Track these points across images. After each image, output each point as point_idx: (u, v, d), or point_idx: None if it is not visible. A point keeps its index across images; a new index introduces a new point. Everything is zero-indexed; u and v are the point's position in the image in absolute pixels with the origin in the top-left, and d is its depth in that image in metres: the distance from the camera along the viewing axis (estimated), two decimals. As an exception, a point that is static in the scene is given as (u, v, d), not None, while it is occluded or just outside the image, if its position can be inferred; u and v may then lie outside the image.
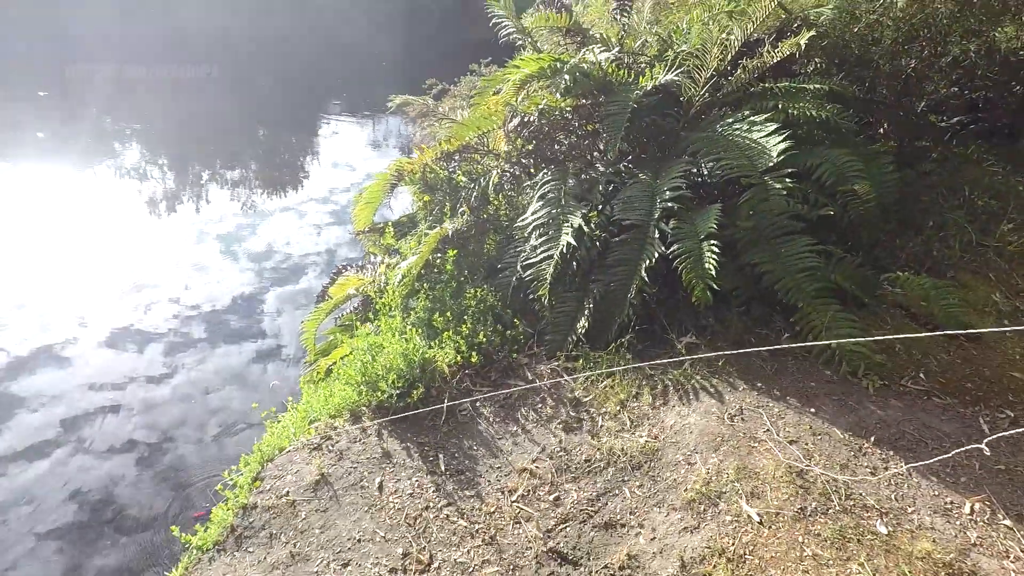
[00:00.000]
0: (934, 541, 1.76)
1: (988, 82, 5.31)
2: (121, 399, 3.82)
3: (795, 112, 3.30)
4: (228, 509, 2.21)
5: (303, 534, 2.04)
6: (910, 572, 1.64)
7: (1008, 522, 1.85)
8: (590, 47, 3.51)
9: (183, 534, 2.17)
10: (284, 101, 12.72)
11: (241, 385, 4.05)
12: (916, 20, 4.47)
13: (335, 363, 2.94)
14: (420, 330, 2.77)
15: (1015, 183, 4.03)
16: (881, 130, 4.92)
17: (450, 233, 3.07)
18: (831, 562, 1.70)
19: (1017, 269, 3.36)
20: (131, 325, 4.58)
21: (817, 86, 3.56)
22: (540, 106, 3.34)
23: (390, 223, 3.75)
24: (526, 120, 3.40)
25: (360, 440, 2.40)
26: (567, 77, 3.18)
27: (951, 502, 1.92)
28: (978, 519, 1.86)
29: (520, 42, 4.08)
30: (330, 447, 2.38)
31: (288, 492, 2.20)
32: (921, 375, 2.51)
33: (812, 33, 3.23)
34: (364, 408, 2.52)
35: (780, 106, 3.28)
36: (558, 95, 3.34)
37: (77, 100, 11.23)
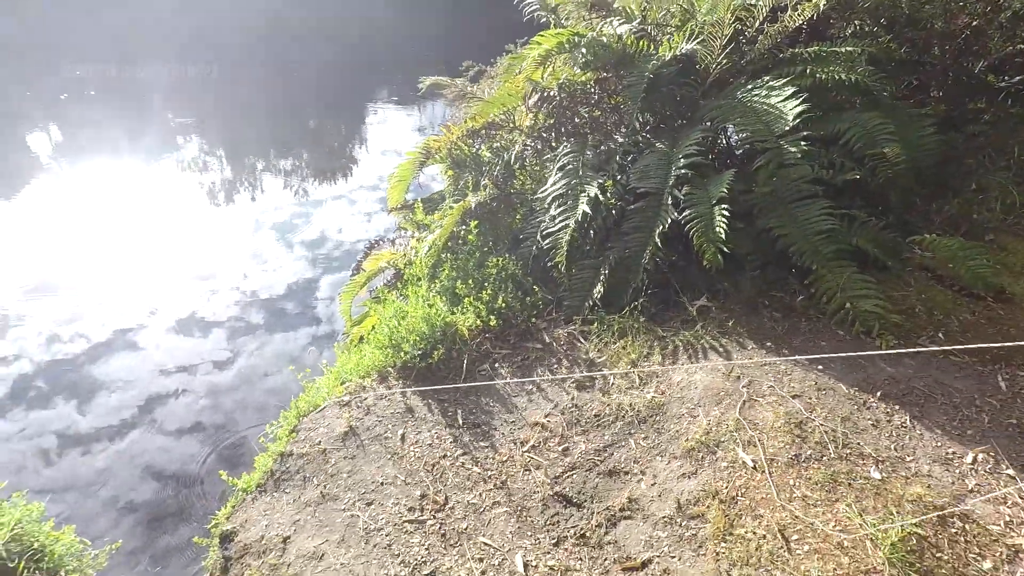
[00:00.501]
0: (928, 487, 1.79)
1: (1053, 37, 4.98)
2: (189, 383, 4.09)
3: (823, 76, 3.24)
4: (268, 456, 2.46)
5: (332, 478, 2.26)
6: (897, 512, 1.69)
7: (1011, 471, 1.85)
8: (609, 20, 3.56)
9: (230, 477, 2.45)
10: (330, 88, 13.05)
11: (298, 368, 4.23)
12: (969, -28, 4.25)
13: (367, 331, 3.16)
14: (443, 297, 2.95)
15: (1072, 142, 3.81)
16: (934, 93, 4.71)
17: (473, 206, 3.22)
18: (819, 503, 1.77)
19: (1064, 231, 3.21)
20: (195, 312, 4.87)
21: (849, 48, 3.47)
22: (560, 80, 3.43)
23: (419, 200, 3.94)
24: (547, 95, 3.49)
25: (385, 397, 2.60)
26: (585, 51, 3.26)
27: (953, 452, 1.94)
28: (980, 468, 1.87)
29: (545, 19, 4.16)
30: (358, 403, 2.59)
31: (320, 442, 2.42)
32: (940, 334, 2.48)
33: (831, -7, 3.14)
34: (390, 369, 2.72)
35: (808, 71, 3.24)
36: (577, 69, 3.42)
37: (118, 99, 11.82)
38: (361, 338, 3.22)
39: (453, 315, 2.81)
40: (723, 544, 1.76)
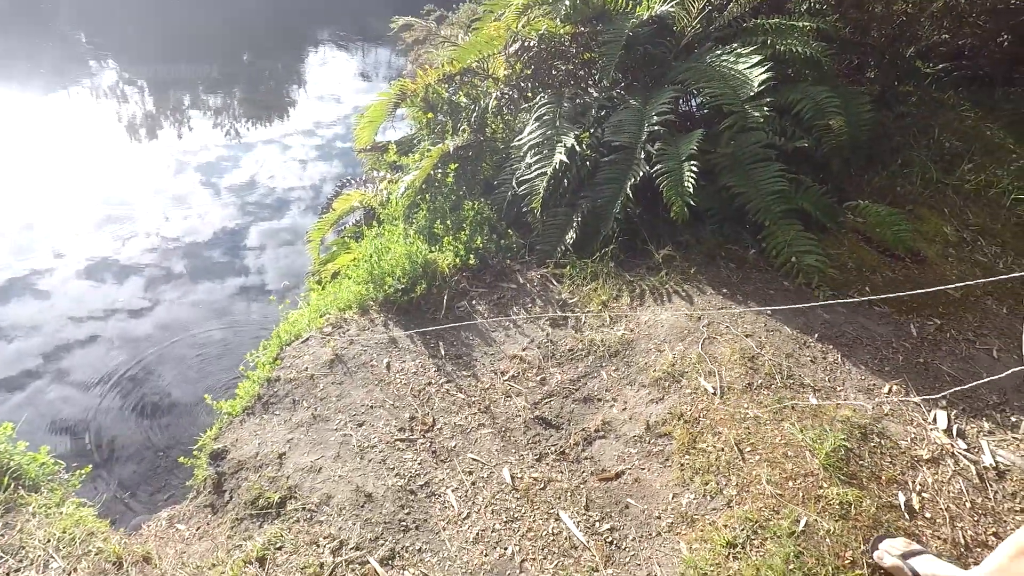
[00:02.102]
0: (854, 410, 2.11)
1: (976, 30, 5.46)
2: (101, 330, 3.79)
3: (782, 48, 3.46)
4: (253, 383, 2.51)
5: (322, 401, 2.36)
6: (830, 429, 2.00)
7: (917, 399, 2.21)
8: (591, -27, 3.62)
9: (214, 401, 2.48)
10: (269, 24, 12.22)
11: (223, 320, 3.99)
12: (910, -37, 4.55)
13: (343, 267, 3.19)
14: (422, 236, 3.03)
15: (982, 128, 4.29)
16: (869, 73, 5.10)
17: (451, 150, 3.28)
18: (768, 422, 2.06)
19: (970, 206, 3.67)
20: (109, 258, 4.49)
21: (805, 23, 3.70)
22: (540, 32, 3.48)
23: (392, 142, 3.93)
24: (526, 45, 3.54)
25: (368, 329, 2.69)
26: (567, 3, 3.32)
27: (874, 384, 2.28)
28: (893, 397, 2.22)
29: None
30: (341, 334, 2.67)
31: (307, 368, 2.50)
32: (867, 288, 2.84)
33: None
34: (371, 302, 2.80)
35: (768, 41, 3.45)
36: (558, 21, 3.48)
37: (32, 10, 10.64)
38: (335, 275, 3.25)
39: (433, 253, 2.90)
40: (687, 456, 2.02)
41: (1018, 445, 2.07)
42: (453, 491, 1.99)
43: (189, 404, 3.20)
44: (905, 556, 1.62)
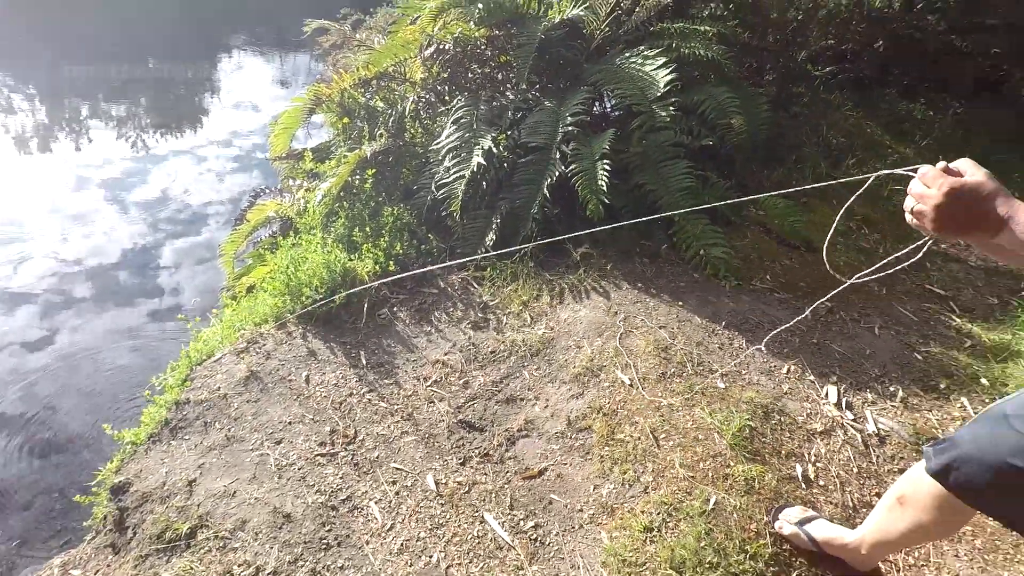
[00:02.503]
0: (757, 391, 2.26)
1: (857, 36, 5.94)
2: None
3: (686, 51, 3.63)
4: (159, 407, 2.38)
5: (237, 421, 2.26)
6: (736, 411, 2.13)
7: (812, 378, 2.39)
8: (502, -22, 3.66)
9: (115, 431, 2.33)
10: (174, 26, 11.55)
11: (132, 345, 3.71)
12: (798, -28, 4.88)
13: (259, 280, 3.08)
14: (341, 245, 2.96)
15: (864, 126, 4.68)
16: (767, 76, 5.44)
17: (368, 155, 3.23)
18: (681, 408, 2.16)
19: (856, 197, 3.98)
20: None
21: (706, 28, 3.90)
22: (455, 35, 3.49)
23: (308, 150, 3.82)
24: (442, 48, 3.53)
25: (286, 342, 2.61)
26: (481, 6, 3.34)
27: (774, 366, 2.44)
28: (791, 376, 2.39)
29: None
30: (257, 349, 2.57)
31: (220, 388, 2.39)
32: (767, 276, 3.03)
33: (695, -24, 3.52)
34: (288, 315, 2.72)
35: (673, 45, 3.62)
36: (473, 24, 3.49)
37: None
38: (250, 288, 3.12)
39: (352, 261, 2.85)
40: (606, 448, 2.09)
41: (896, 412, 2.28)
42: (376, 503, 1.96)
43: (91, 438, 2.97)
44: (801, 523, 1.75)
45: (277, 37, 11.39)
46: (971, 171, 0.94)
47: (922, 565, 1.81)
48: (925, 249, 1.07)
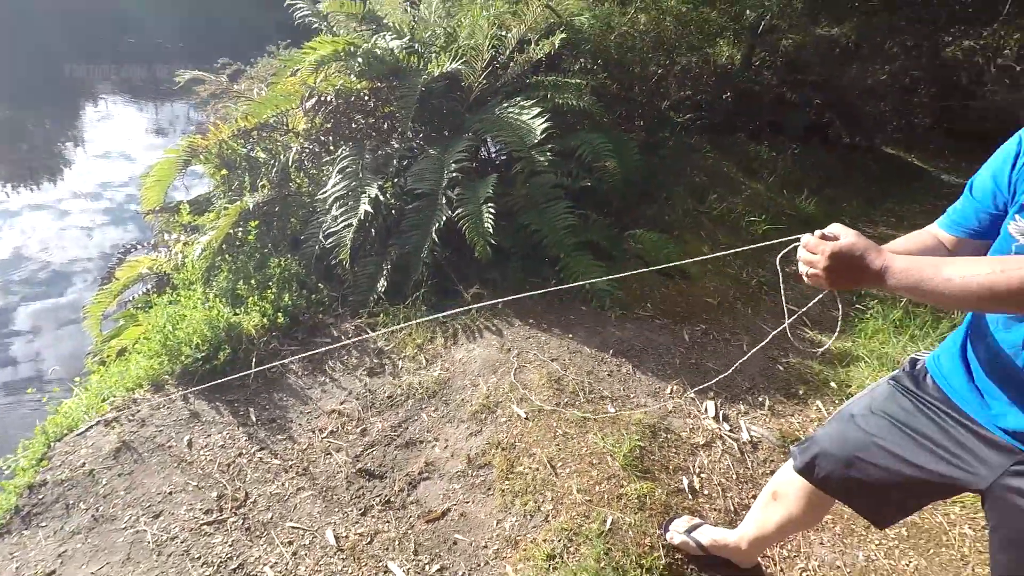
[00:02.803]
0: (645, 413, 2.42)
1: (708, 88, 6.71)
2: None
3: (560, 101, 3.92)
4: (9, 494, 2.11)
5: (106, 498, 2.06)
6: (627, 433, 2.26)
7: (692, 394, 2.60)
8: (382, 34, 3.79)
9: (-45, 523, 2.03)
10: (33, 74, 10.65)
11: None
12: (652, 35, 5.47)
13: (131, 343, 2.85)
14: (224, 299, 2.83)
15: (721, 165, 5.26)
16: (637, 123, 5.96)
17: (251, 207, 3.14)
18: (575, 436, 2.26)
19: (719, 228, 4.45)
20: None
21: (577, 81, 4.25)
22: (337, 87, 3.53)
23: (185, 202, 3.64)
24: (324, 99, 3.56)
25: (164, 407, 2.43)
26: (360, 60, 3.43)
27: (659, 387, 2.63)
28: (674, 396, 2.59)
29: (316, 26, 4.19)
30: (130, 416, 2.37)
31: (84, 464, 2.17)
32: (648, 304, 3.28)
33: (563, 36, 3.87)
34: (166, 377, 2.54)
35: (548, 96, 3.90)
36: (353, 77, 3.56)
37: None
38: (121, 352, 2.88)
39: (237, 316, 2.73)
40: (506, 482, 2.13)
41: (765, 420, 2.53)
42: (271, 567, 1.86)
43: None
44: (688, 531, 1.88)
45: (151, 83, 10.77)
46: (843, 233, 1.11)
47: (794, 556, 2.00)
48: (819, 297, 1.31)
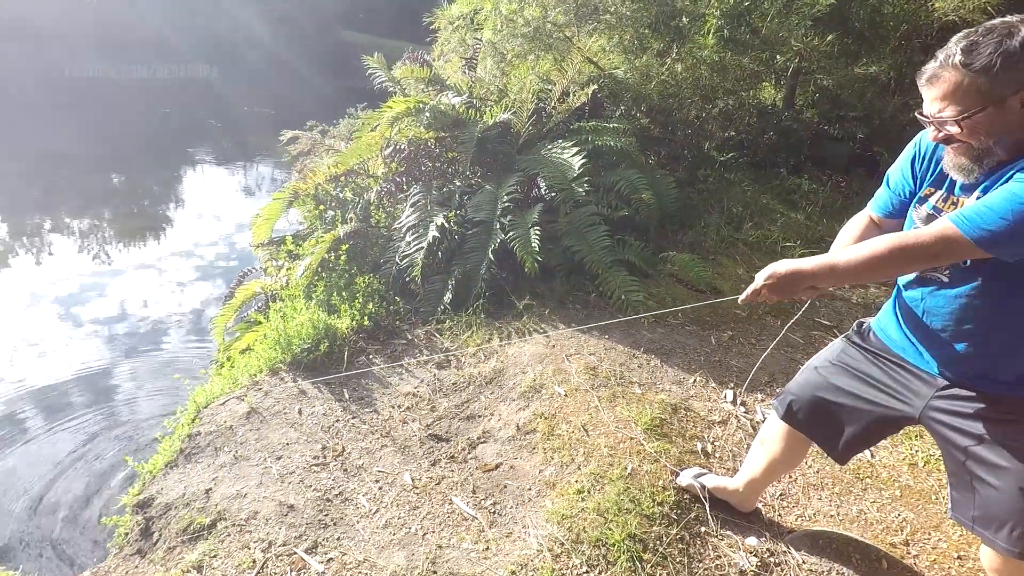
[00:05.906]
0: (668, 394, 2.84)
1: (749, 128, 7.15)
2: None
3: (599, 143, 4.52)
4: (175, 439, 2.78)
5: (242, 445, 2.69)
6: (649, 407, 2.70)
7: (714, 384, 3.00)
8: (446, 93, 4.56)
9: (136, 463, 2.71)
10: (143, 145, 12.09)
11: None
12: (690, 82, 6.02)
13: (251, 343, 3.56)
14: (322, 307, 3.51)
15: (760, 197, 5.64)
16: (683, 163, 6.46)
17: (342, 235, 3.86)
18: (605, 409, 2.72)
19: (754, 253, 4.82)
20: None
21: (615, 124, 4.84)
22: (409, 137, 4.29)
23: (288, 236, 4.44)
24: (398, 148, 4.32)
25: (279, 385, 3.08)
26: (428, 115, 4.17)
27: (684, 378, 3.05)
28: (697, 384, 3.00)
29: (391, 89, 5.05)
30: (255, 391, 3.03)
31: (225, 421, 2.82)
32: (679, 314, 3.71)
33: (595, 87, 4.49)
34: (280, 364, 3.20)
35: (589, 139, 4.51)
36: (422, 128, 4.31)
37: None
38: (244, 351, 3.59)
39: (332, 319, 3.39)
40: (547, 442, 2.60)
41: (774, 401, 2.88)
42: (364, 495, 2.40)
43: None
44: (696, 476, 2.29)
45: (240, 150, 12.03)
46: (774, 265, 1.55)
47: (792, 506, 2.35)
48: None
